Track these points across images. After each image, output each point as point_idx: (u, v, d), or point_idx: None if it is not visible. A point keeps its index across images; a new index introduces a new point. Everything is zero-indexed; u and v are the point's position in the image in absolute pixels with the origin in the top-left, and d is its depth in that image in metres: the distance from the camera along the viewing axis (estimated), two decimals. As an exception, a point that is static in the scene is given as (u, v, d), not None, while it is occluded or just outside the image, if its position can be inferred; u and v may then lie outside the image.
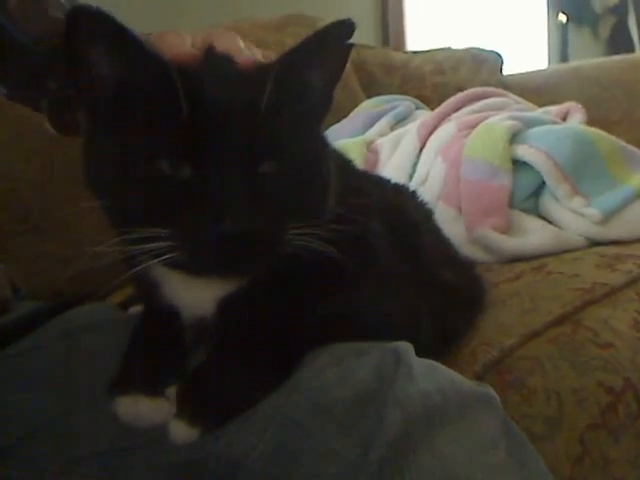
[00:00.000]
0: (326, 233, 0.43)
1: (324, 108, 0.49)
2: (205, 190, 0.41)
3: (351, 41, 0.46)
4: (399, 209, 0.62)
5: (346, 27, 0.45)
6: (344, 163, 0.53)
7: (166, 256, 0.42)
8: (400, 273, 0.53)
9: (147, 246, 0.42)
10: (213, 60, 0.47)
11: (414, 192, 0.74)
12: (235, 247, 0.41)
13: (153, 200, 0.43)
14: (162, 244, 0.41)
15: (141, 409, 0.44)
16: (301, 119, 0.45)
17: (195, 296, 0.48)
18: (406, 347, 0.45)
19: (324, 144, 0.49)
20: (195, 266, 0.43)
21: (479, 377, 0.59)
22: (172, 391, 0.44)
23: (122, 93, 0.44)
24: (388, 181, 0.70)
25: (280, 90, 0.43)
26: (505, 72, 1.96)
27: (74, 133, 0.74)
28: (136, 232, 0.42)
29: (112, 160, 0.44)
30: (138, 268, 0.45)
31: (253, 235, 0.41)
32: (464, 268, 0.72)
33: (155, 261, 0.43)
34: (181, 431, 0.42)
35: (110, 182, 0.45)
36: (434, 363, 0.46)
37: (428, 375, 0.43)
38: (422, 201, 0.73)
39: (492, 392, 0.46)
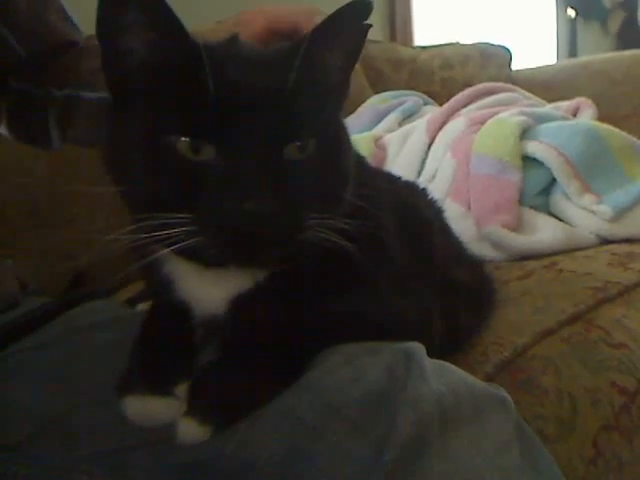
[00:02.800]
0: (343, 227, 0.42)
1: (342, 91, 0.49)
2: (229, 172, 0.41)
3: (368, 22, 0.46)
4: (412, 207, 0.61)
5: (363, 6, 0.45)
6: (358, 158, 0.53)
7: (184, 243, 0.41)
8: (413, 272, 0.52)
9: (165, 232, 0.40)
10: (238, 43, 0.47)
11: (424, 189, 0.73)
12: (258, 231, 0.40)
13: (174, 182, 0.42)
14: (181, 230, 0.40)
15: (150, 408, 0.43)
16: (323, 101, 0.45)
17: (208, 293, 0.47)
18: (417, 347, 0.44)
19: (344, 130, 0.49)
20: (214, 252, 0.42)
21: (491, 377, 0.58)
22: (181, 389, 0.44)
23: (148, 67, 0.43)
24: (399, 178, 0.69)
25: (303, 72, 0.43)
26: (514, 67, 1.95)
27: (31, 141, 0.75)
28: (154, 218, 0.41)
29: (133, 139, 0.43)
30: (151, 258, 0.44)
31: (276, 219, 0.40)
32: (474, 266, 0.71)
33: (172, 248, 0.42)
34: (191, 430, 0.41)
35: (130, 163, 0.44)
36: (445, 363, 0.45)
37: (440, 375, 0.43)
38: (432, 198, 0.73)
39: (505, 393, 0.46)
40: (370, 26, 0.46)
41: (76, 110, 0.70)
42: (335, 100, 0.48)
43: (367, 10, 0.45)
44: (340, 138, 0.47)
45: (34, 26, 0.69)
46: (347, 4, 0.44)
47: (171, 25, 0.43)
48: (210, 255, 0.42)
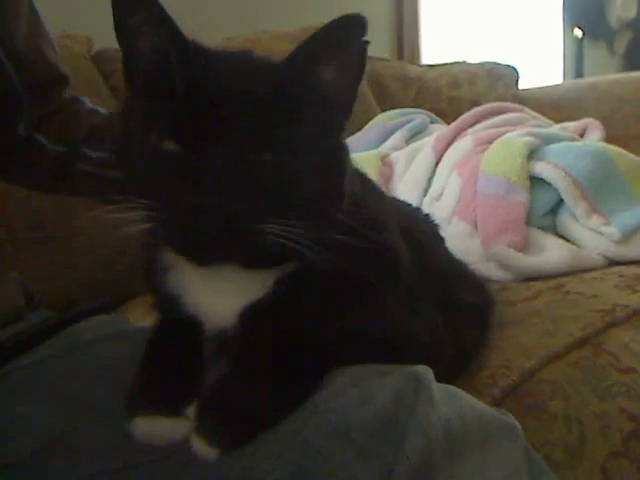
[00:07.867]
0: (332, 242, 0.42)
1: (342, 110, 0.48)
2: (188, 168, 0.42)
3: (366, 38, 0.44)
4: (416, 228, 0.62)
5: (356, 21, 0.44)
6: (364, 179, 0.53)
7: (143, 225, 0.43)
8: (421, 292, 0.52)
9: (128, 214, 0.43)
10: (244, 53, 0.49)
11: (420, 209, 0.74)
12: (209, 226, 0.41)
13: (146, 172, 0.44)
14: (140, 212, 0.43)
15: (159, 429, 0.43)
16: (313, 117, 0.45)
17: (216, 305, 0.47)
18: (425, 371, 0.44)
19: (341, 150, 0.48)
20: (169, 240, 0.45)
21: (498, 401, 0.57)
22: (191, 409, 0.43)
23: (150, 68, 0.46)
24: (403, 201, 0.70)
25: (287, 83, 0.43)
26: (520, 86, 1.96)
27: (21, 183, 0.74)
28: (130, 201, 0.43)
29: (127, 133, 0.46)
30: (157, 267, 0.46)
31: (229, 217, 0.41)
32: (476, 286, 0.71)
33: (137, 228, 0.44)
34: (200, 449, 0.41)
35: (122, 153, 0.47)
36: (453, 388, 0.45)
37: (448, 401, 0.42)
38: (430, 219, 0.73)
39: (513, 420, 0.45)
40: (368, 43, 0.45)
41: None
42: (331, 118, 0.47)
43: (361, 24, 0.44)
44: (330, 155, 0.46)
45: (32, 57, 0.68)
46: (337, 18, 0.43)
47: (165, 26, 0.45)
48: (167, 242, 0.45)
